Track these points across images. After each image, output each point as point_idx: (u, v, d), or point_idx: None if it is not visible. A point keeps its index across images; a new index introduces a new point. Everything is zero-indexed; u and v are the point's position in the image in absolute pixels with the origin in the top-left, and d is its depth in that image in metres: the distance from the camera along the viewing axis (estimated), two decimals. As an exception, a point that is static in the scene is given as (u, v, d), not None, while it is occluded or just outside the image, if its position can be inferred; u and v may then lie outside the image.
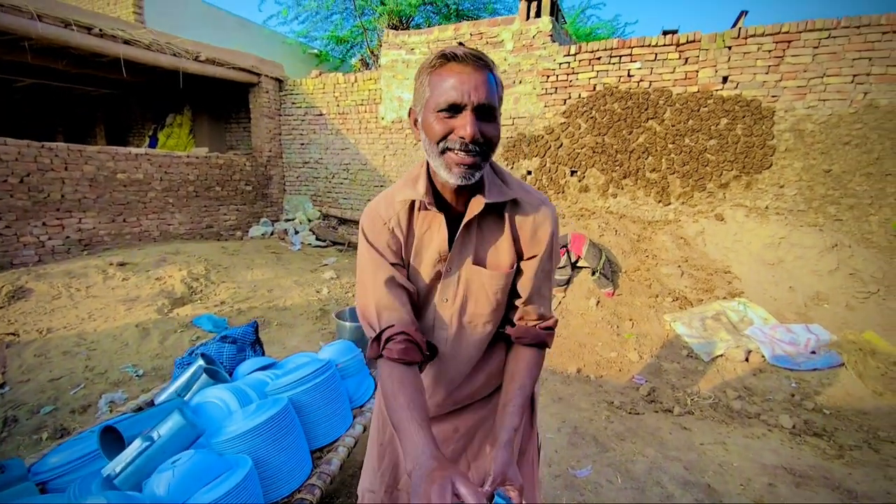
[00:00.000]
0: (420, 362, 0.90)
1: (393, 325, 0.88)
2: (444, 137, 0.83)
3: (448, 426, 1.10)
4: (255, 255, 5.65)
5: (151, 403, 1.80)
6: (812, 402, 2.82)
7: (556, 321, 1.04)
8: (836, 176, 4.43)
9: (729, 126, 4.77)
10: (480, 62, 0.83)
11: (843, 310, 3.63)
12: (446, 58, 0.83)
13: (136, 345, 3.18)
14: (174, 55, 5.85)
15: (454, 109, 0.81)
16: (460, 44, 0.93)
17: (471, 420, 1.10)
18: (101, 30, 5.07)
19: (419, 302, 1.00)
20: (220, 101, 7.92)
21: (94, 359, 2.98)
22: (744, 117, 4.69)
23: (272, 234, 7.10)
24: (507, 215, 0.94)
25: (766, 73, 4.58)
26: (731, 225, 4.62)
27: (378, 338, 0.88)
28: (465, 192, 0.92)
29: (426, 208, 0.93)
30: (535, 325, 1.00)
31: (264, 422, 1.32)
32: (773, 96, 4.58)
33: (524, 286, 0.97)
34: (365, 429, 1.68)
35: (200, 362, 1.74)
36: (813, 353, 3.25)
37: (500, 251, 0.96)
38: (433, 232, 0.95)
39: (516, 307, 1.01)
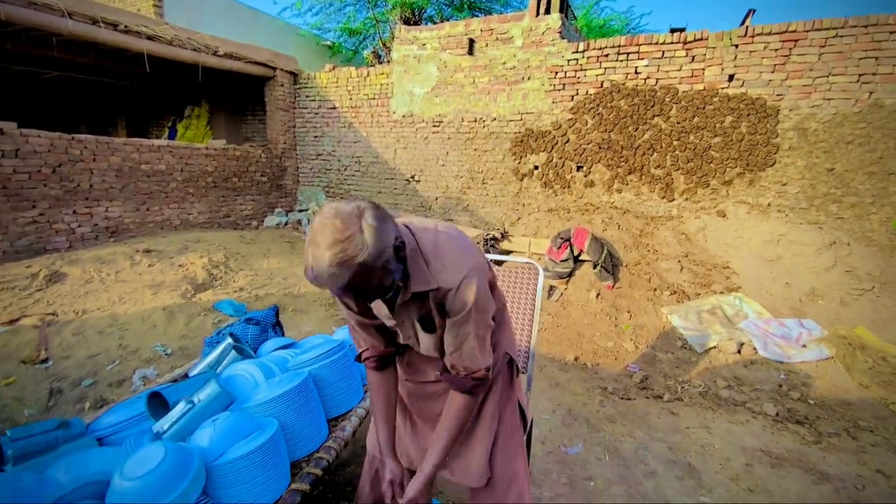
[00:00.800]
0: (386, 367, 1.28)
1: (366, 349, 1.26)
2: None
3: (422, 389, 1.35)
4: (271, 244, 5.88)
5: (185, 377, 2.02)
6: (798, 393, 2.96)
7: (486, 374, 1.16)
8: (838, 174, 4.50)
9: (734, 124, 4.84)
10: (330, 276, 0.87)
11: (837, 306, 3.74)
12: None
13: (163, 326, 3.43)
14: (194, 50, 6.06)
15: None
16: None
17: (435, 388, 1.32)
18: (126, 26, 5.28)
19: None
20: (237, 94, 8.13)
21: (126, 338, 3.23)
22: (749, 115, 4.76)
23: (286, 223, 7.33)
24: (431, 295, 1.07)
25: (772, 72, 4.64)
26: (732, 221, 4.72)
27: (358, 356, 1.29)
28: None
29: None
30: (465, 376, 1.14)
31: (289, 391, 1.52)
32: (779, 95, 4.64)
33: (447, 343, 1.14)
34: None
35: (229, 340, 1.96)
36: (804, 346, 3.39)
37: (433, 316, 1.13)
38: (381, 304, 1.14)
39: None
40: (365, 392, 1.91)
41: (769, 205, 4.76)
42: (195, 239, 5.39)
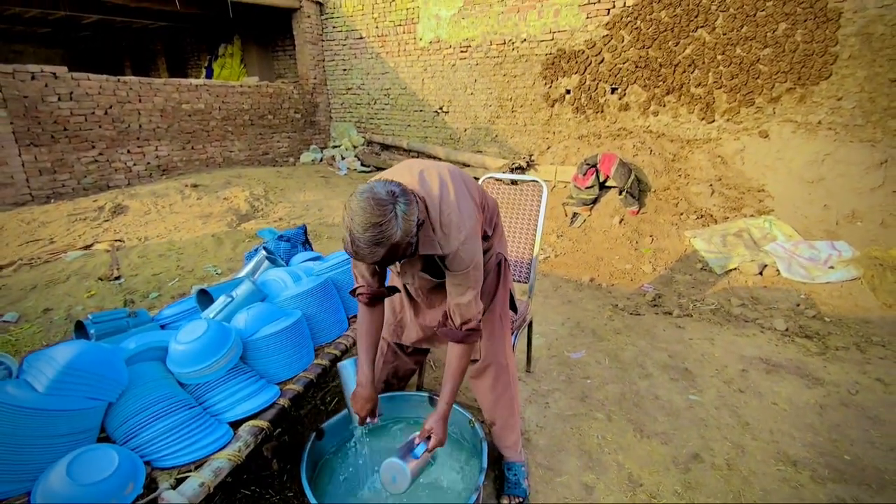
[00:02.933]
0: (375, 304, 1.46)
1: (361, 285, 1.42)
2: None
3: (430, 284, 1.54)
4: (307, 179, 6.16)
5: (229, 284, 2.33)
6: (814, 311, 2.97)
7: (477, 325, 1.34)
8: (903, 85, 4.07)
9: (787, 32, 4.40)
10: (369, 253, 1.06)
11: (877, 227, 3.57)
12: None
13: (213, 251, 3.83)
14: (220, -17, 6.06)
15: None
16: None
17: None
18: (153, -38, 5.34)
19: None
20: (266, 29, 8.12)
21: (182, 260, 3.65)
22: (805, 21, 4.30)
23: (321, 160, 7.57)
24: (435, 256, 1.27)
25: (837, -32, 4.10)
26: (774, 142, 4.45)
27: (353, 291, 1.46)
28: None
29: None
30: (459, 326, 1.33)
31: (310, 289, 1.77)
32: (843, -6, 4.14)
33: (449, 292, 1.32)
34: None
35: (263, 252, 2.23)
36: (831, 268, 3.32)
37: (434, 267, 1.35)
38: None
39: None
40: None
41: (819, 122, 4.42)
42: (237, 175, 5.74)
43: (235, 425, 1.34)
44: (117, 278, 3.39)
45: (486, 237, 1.49)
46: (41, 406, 1.09)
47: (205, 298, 1.90)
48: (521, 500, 1.61)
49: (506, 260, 1.62)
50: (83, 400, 1.17)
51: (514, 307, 1.69)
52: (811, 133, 4.39)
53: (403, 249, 1.10)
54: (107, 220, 4.22)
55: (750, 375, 2.36)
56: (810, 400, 2.17)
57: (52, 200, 4.67)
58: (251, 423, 1.34)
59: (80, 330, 1.67)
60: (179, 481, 1.15)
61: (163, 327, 1.81)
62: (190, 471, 1.17)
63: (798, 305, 3.06)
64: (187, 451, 1.20)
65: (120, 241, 3.89)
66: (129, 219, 4.27)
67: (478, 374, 1.64)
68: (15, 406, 1.07)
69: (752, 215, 3.95)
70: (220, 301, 1.74)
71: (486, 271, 1.51)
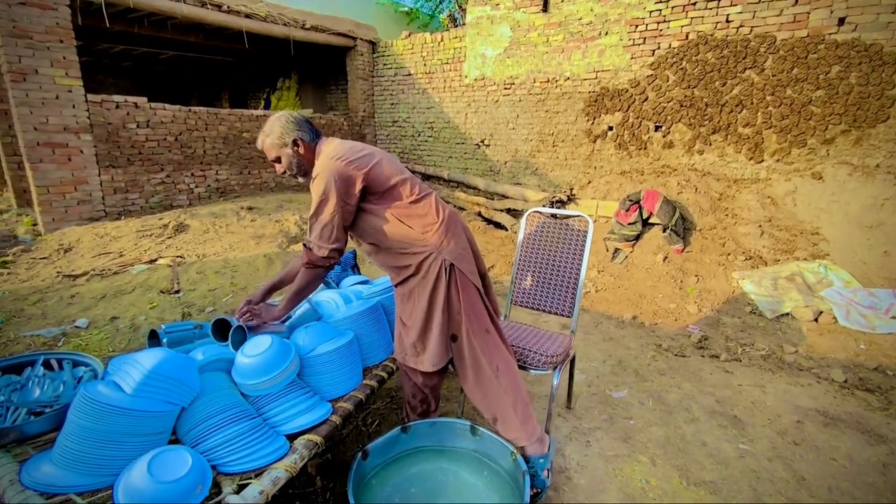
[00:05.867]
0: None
1: (333, 255, 1.62)
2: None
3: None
4: (351, 204, 6.42)
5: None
6: (875, 363, 2.80)
7: (316, 256, 1.59)
8: (972, 130, 3.89)
9: (841, 74, 4.32)
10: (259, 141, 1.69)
11: (946, 277, 3.36)
12: None
13: (264, 269, 4.04)
14: (285, 24, 6.59)
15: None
16: None
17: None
18: (228, 7, 5.89)
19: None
20: (322, 66, 8.68)
21: (236, 278, 3.87)
22: (860, 64, 4.22)
23: (365, 187, 7.87)
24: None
25: (893, 13, 4.04)
26: (829, 184, 4.31)
27: (325, 258, 1.63)
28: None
29: None
30: (306, 249, 1.61)
31: (362, 311, 1.87)
32: (901, 38, 4.05)
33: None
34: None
35: (316, 275, 2.36)
36: (893, 317, 3.13)
37: None
38: None
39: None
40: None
41: (877, 166, 4.25)
42: (288, 199, 6.06)
43: (290, 438, 1.42)
44: (177, 292, 3.62)
45: (390, 193, 1.61)
46: (128, 406, 1.21)
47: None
48: (537, 491, 1.66)
49: (455, 268, 1.59)
50: (162, 403, 1.28)
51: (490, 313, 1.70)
52: (869, 176, 4.23)
53: (280, 152, 1.62)
54: (170, 238, 4.54)
55: (805, 427, 2.24)
56: (872, 458, 2.04)
57: (123, 217, 5.08)
58: (306, 437, 1.41)
59: (153, 338, 1.82)
60: (241, 487, 1.22)
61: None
62: (250, 478, 1.25)
63: (857, 356, 2.89)
64: (249, 458, 1.27)
65: (180, 257, 4.17)
66: (190, 237, 4.58)
67: (464, 380, 1.70)
68: (107, 404, 1.18)
69: (805, 259, 3.80)
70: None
71: (425, 275, 1.58)
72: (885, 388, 2.58)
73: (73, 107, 4.58)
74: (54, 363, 1.46)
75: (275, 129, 1.62)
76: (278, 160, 1.64)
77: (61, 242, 4.15)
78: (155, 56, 8.90)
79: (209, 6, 5.73)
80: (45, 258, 4.10)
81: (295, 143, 1.61)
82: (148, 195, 5.45)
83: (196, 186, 5.89)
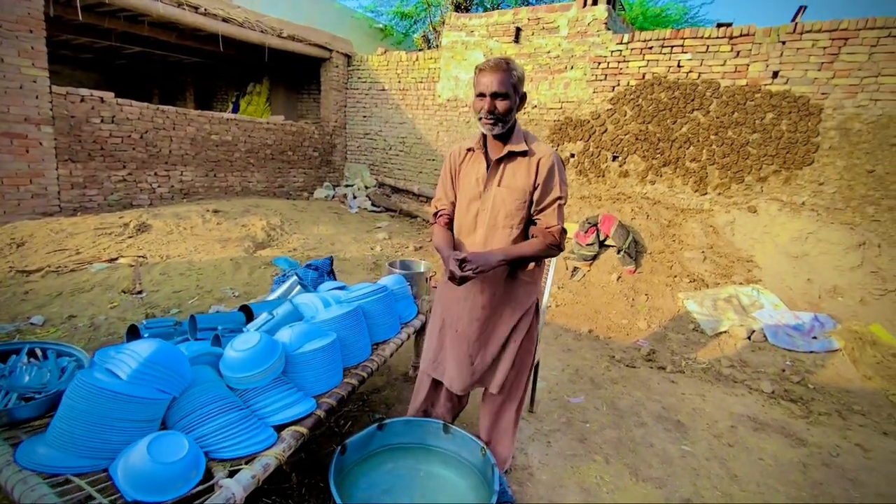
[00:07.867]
0: (449, 227, 1.77)
1: (443, 209, 1.78)
2: (479, 111, 1.55)
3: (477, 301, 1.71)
4: (320, 213, 6.43)
5: (259, 305, 2.50)
6: (799, 377, 3.15)
7: (560, 229, 1.60)
8: (879, 177, 4.48)
9: (774, 121, 4.88)
10: (496, 67, 1.50)
11: (856, 304, 3.83)
12: (479, 68, 1.55)
13: (231, 274, 4.00)
14: (261, 31, 6.61)
15: (481, 95, 1.53)
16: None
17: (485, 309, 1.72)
18: (205, 9, 5.87)
19: (464, 206, 1.71)
20: (295, 74, 8.69)
21: (201, 280, 3.81)
22: (790, 113, 4.78)
23: (333, 196, 7.89)
24: (526, 159, 1.60)
25: (819, 70, 4.64)
26: (762, 217, 4.81)
27: (435, 213, 1.80)
28: (501, 145, 1.61)
29: (474, 151, 1.69)
30: (546, 229, 1.60)
31: (344, 314, 1.95)
32: (823, 93, 4.64)
33: (536, 202, 1.61)
34: (408, 336, 2.30)
35: (295, 278, 2.42)
36: (814, 338, 3.54)
37: (518, 179, 1.61)
38: (477, 164, 1.68)
39: (534, 222, 1.64)
40: (401, 326, 2.33)
41: (803, 203, 4.80)
42: (255, 204, 6.00)
43: (276, 430, 1.48)
44: (139, 292, 3.53)
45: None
46: (124, 391, 1.25)
47: (244, 314, 2.07)
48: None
49: (539, 305, 1.81)
50: (155, 391, 1.32)
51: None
52: (795, 212, 4.76)
53: (507, 94, 1.50)
54: (131, 237, 4.40)
55: (738, 431, 2.51)
56: (794, 458, 2.32)
57: (79, 213, 4.86)
58: (293, 428, 1.48)
59: (132, 333, 1.83)
60: (232, 473, 1.28)
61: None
62: (241, 465, 1.31)
63: (783, 371, 3.24)
64: (240, 446, 1.34)
65: (143, 257, 4.06)
66: (152, 237, 4.46)
67: (491, 402, 1.81)
68: (103, 389, 1.22)
69: (741, 283, 4.21)
70: (262, 317, 1.92)
71: (525, 311, 1.72)
72: (806, 399, 2.92)
73: (37, 97, 4.40)
74: (39, 353, 1.47)
75: (522, 71, 1.55)
76: (505, 97, 1.50)
77: (13, 236, 3.94)
78: (119, 50, 8.60)
79: (185, 7, 5.68)
80: (-9, 252, 3.87)
81: (523, 96, 1.58)
82: (107, 192, 5.26)
83: (159, 186, 5.73)
